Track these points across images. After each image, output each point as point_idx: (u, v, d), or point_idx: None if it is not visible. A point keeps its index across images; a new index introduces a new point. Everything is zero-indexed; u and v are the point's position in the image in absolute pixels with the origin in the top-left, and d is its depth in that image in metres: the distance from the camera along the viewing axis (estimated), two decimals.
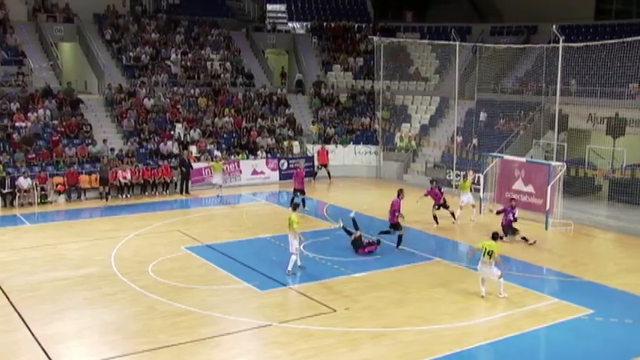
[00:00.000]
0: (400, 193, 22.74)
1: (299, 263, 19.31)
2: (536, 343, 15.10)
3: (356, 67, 43.48)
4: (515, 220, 23.65)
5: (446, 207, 25.94)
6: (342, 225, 22.59)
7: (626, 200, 28.62)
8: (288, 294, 17.77)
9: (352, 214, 22.85)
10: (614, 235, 25.34)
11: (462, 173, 29.91)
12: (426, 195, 26.07)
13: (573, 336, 15.31)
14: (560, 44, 28.20)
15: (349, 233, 22.11)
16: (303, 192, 28.20)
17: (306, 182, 29.38)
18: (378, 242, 21.96)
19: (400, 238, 22.09)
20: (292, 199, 27.86)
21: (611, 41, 27.94)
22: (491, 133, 34.80)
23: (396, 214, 21.99)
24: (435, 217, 25.70)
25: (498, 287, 17.52)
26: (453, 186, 32.19)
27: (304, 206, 27.80)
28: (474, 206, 27.10)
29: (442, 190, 26.60)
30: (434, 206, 25.81)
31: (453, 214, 26.04)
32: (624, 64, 29.62)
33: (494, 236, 18.05)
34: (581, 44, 28.70)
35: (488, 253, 17.42)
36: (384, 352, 14.05)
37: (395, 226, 22.12)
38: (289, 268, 19.00)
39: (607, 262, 22.39)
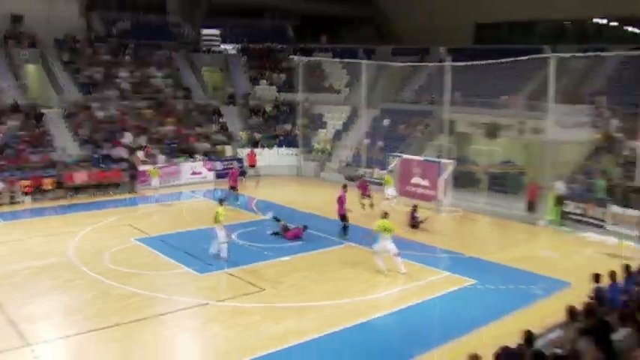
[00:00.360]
0: (345, 187, 23.09)
1: (212, 251, 19.09)
2: (431, 310, 15.49)
3: (279, 81, 43.49)
4: (416, 220, 24.00)
5: (369, 197, 26.27)
6: (272, 232, 22.54)
7: (500, 190, 29.55)
8: (222, 276, 17.72)
9: (269, 215, 22.80)
10: (492, 219, 26.14)
11: (387, 169, 29.93)
12: (358, 187, 26.52)
13: (460, 302, 15.85)
14: (448, 63, 28.94)
15: (276, 234, 22.19)
16: (236, 189, 28.16)
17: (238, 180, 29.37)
18: (305, 228, 22.09)
19: (345, 228, 22.14)
20: (234, 196, 27.85)
21: (487, 62, 28.62)
22: (394, 137, 35.20)
23: (344, 205, 22.12)
24: (362, 205, 26.02)
25: (397, 265, 17.87)
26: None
27: (237, 201, 27.76)
28: (395, 197, 27.48)
29: (368, 183, 27.17)
30: (361, 195, 26.09)
31: (371, 205, 26.25)
32: (497, 80, 30.56)
33: (385, 215, 18.37)
34: (464, 64, 29.44)
35: (386, 230, 17.83)
36: (307, 323, 14.20)
37: (343, 217, 22.17)
38: (224, 255, 18.93)
39: (487, 240, 23.21)
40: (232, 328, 13.95)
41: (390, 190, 27.37)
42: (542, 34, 40.29)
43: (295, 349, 12.93)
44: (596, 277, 12.17)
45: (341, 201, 22.31)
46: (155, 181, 29.13)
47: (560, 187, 24.85)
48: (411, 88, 39.35)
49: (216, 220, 19.04)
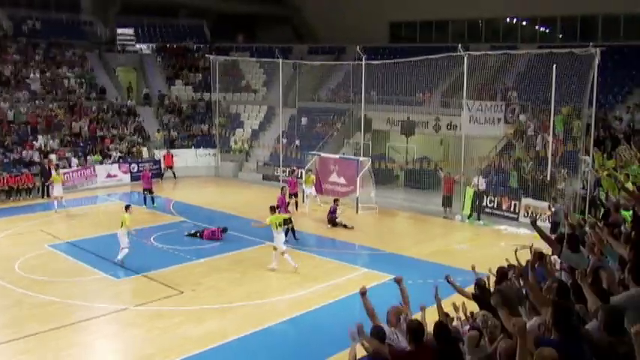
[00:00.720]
0: (283, 189, 22.92)
1: (119, 258, 18.39)
2: (349, 307, 15.56)
3: (195, 81, 42.91)
4: (336, 216, 24.11)
5: (296, 196, 26.17)
6: (188, 233, 22.26)
7: (417, 186, 30.21)
8: (141, 281, 17.33)
9: (185, 233, 22.45)
10: (409, 214, 26.69)
11: (305, 168, 29.93)
12: (289, 184, 26.17)
13: (379, 298, 15.76)
14: (363, 62, 29.28)
15: (193, 235, 22.00)
16: (150, 191, 27.56)
17: (154, 182, 28.81)
18: (224, 230, 21.84)
19: (292, 229, 21.54)
20: (144, 198, 27.24)
21: (402, 60, 29.23)
22: (311, 135, 35.43)
23: (284, 207, 21.56)
24: (288, 204, 25.84)
25: (273, 260, 17.97)
26: (280, 180, 32.68)
27: (153, 203, 27.21)
28: (315, 197, 27.51)
29: (297, 180, 27.11)
30: (289, 195, 25.62)
31: (296, 203, 26.22)
32: (413, 78, 31.11)
33: (273, 208, 18.36)
34: (379, 62, 29.86)
35: (277, 225, 17.89)
36: (227, 324, 14.15)
37: (286, 220, 21.44)
38: (119, 257, 18.25)
39: (404, 236, 23.63)
40: (151, 331, 13.72)
41: (308, 190, 27.44)
42: (456, 32, 41.41)
43: (216, 351, 12.84)
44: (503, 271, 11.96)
45: (283, 204, 21.79)
46: (58, 189, 27.06)
47: (480, 182, 25.37)
48: (327, 87, 39.62)
49: (123, 225, 18.47)
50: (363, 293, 8.69)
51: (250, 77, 43.22)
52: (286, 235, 21.22)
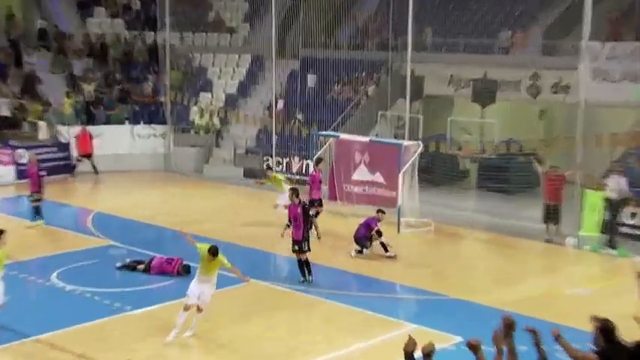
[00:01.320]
0: (296, 192, 22.16)
1: None
2: None
3: (130, 12, 42.93)
4: (376, 232, 23.70)
5: (320, 204, 26.30)
6: (122, 264, 22.25)
7: (500, 189, 29.90)
8: (27, 349, 16.84)
9: (118, 265, 22.37)
10: (486, 236, 26.57)
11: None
12: (311, 182, 26.47)
13: None
14: None
15: (130, 267, 22.05)
16: (39, 197, 26.96)
17: (58, 181, 28.63)
18: (185, 269, 21.50)
19: (306, 264, 21.23)
20: (35, 208, 26.96)
21: None
22: (324, 104, 35.40)
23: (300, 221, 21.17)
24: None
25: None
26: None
27: (41, 217, 26.89)
28: (285, 206, 27.40)
29: (321, 177, 27.12)
30: (311, 201, 25.65)
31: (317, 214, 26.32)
32: (493, 7, 30.93)
33: (214, 250, 17.68)
34: None
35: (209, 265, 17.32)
36: None
37: (305, 243, 21.11)
38: None
39: (477, 271, 23.55)
40: None
41: (282, 198, 27.18)
42: None
43: None
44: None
45: (294, 214, 21.38)
46: None
47: (621, 185, 24.74)
48: (350, 25, 39.49)
49: None
50: (427, 355, 8.42)
51: (223, 7, 43.25)
52: (301, 270, 21.21)
